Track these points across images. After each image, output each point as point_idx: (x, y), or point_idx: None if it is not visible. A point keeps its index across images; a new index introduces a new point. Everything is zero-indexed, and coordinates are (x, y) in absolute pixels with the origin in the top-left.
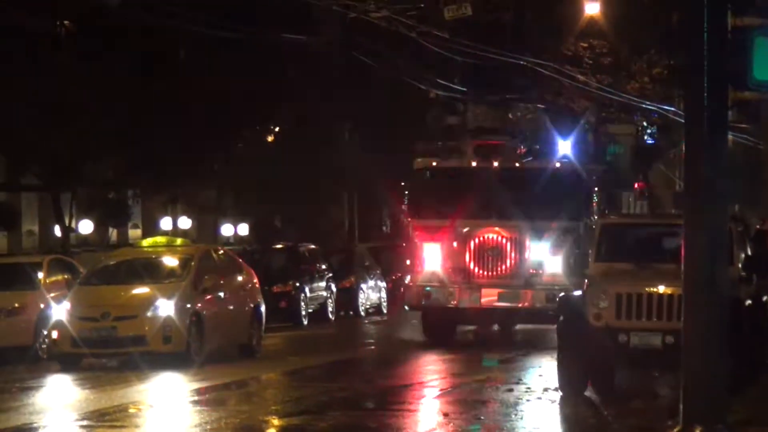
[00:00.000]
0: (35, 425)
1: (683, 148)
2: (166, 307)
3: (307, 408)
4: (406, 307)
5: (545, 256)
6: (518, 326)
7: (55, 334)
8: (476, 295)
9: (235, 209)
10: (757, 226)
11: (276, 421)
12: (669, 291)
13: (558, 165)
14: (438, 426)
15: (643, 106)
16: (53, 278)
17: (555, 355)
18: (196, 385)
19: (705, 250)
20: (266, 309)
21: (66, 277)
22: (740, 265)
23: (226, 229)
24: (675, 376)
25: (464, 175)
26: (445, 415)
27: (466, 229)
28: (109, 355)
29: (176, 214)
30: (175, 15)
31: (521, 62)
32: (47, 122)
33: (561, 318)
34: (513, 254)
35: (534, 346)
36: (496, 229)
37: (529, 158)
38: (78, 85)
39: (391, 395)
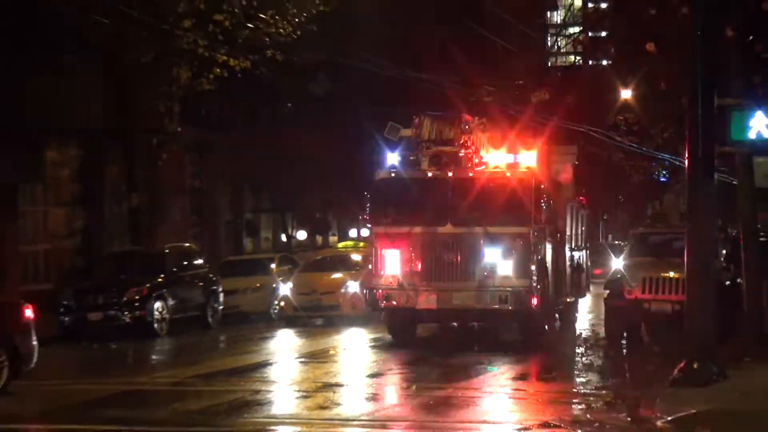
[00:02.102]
0: (271, 361)
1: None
2: (353, 287)
3: (455, 349)
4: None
5: (497, 260)
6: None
7: (282, 304)
8: (433, 297)
9: None
10: (733, 234)
11: (430, 359)
12: (676, 276)
13: (508, 174)
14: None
15: (659, 157)
16: (281, 268)
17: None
18: (372, 336)
19: (700, 249)
20: None
21: (289, 267)
22: (722, 259)
23: None
24: (680, 332)
25: (421, 184)
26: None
27: (423, 235)
28: (317, 317)
29: (360, 227)
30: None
31: (581, 129)
32: (278, 168)
33: (607, 293)
34: (467, 258)
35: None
36: (451, 234)
37: (482, 168)
38: (297, 145)
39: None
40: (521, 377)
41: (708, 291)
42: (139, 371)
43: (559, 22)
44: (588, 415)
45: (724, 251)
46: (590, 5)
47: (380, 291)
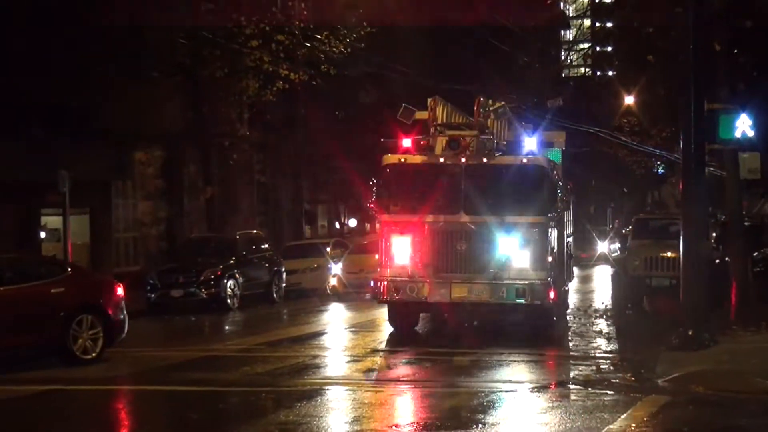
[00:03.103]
0: (326, 330)
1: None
2: None
3: (469, 327)
4: (373, 299)
5: (513, 251)
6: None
7: (335, 281)
8: (445, 290)
9: None
10: (722, 219)
11: (455, 332)
12: (673, 255)
13: (525, 161)
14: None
15: (657, 153)
16: (334, 251)
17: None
18: None
19: (694, 232)
20: None
21: (342, 250)
22: (713, 241)
23: None
24: (676, 303)
25: (433, 171)
26: None
27: (434, 224)
28: (363, 292)
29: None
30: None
31: (591, 130)
32: (332, 164)
33: (613, 271)
34: (481, 249)
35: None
36: (465, 223)
37: (498, 153)
38: (348, 144)
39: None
40: (538, 344)
41: (700, 268)
42: (215, 339)
43: (571, 39)
44: (598, 375)
45: (714, 234)
46: (597, 24)
47: (388, 283)
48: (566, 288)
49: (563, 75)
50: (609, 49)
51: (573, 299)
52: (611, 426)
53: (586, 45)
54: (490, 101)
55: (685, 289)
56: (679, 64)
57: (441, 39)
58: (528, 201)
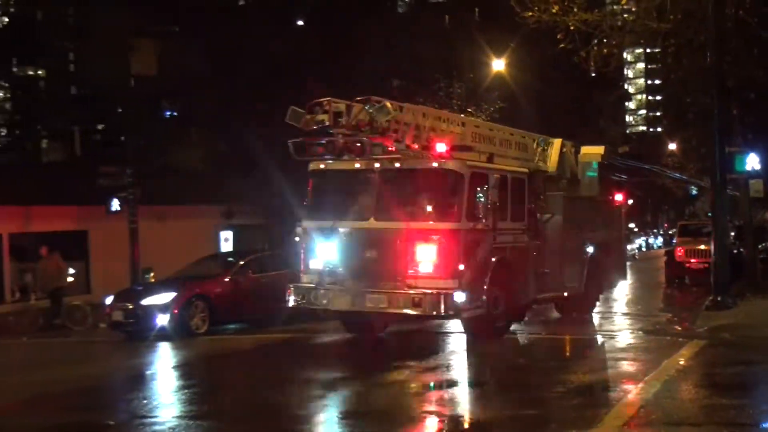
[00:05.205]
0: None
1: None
2: None
3: None
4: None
5: (418, 259)
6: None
7: None
8: (346, 299)
9: None
10: (738, 224)
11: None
12: (705, 248)
13: (436, 165)
14: None
15: (692, 181)
16: None
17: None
18: None
19: (720, 232)
20: None
21: None
22: (732, 239)
23: None
24: (708, 280)
25: (348, 176)
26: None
27: (345, 230)
28: None
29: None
30: None
31: (646, 166)
32: None
33: (666, 257)
34: (385, 256)
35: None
36: (372, 230)
37: (409, 158)
38: None
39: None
40: (611, 307)
41: (725, 256)
42: None
43: (633, 107)
44: (656, 326)
45: (733, 233)
46: (650, 97)
47: (296, 289)
48: (568, 293)
49: (627, 131)
50: (659, 114)
51: (631, 280)
52: (667, 360)
53: (644, 111)
54: (389, 102)
55: (715, 269)
56: (709, 122)
57: (547, 107)
58: (441, 207)
